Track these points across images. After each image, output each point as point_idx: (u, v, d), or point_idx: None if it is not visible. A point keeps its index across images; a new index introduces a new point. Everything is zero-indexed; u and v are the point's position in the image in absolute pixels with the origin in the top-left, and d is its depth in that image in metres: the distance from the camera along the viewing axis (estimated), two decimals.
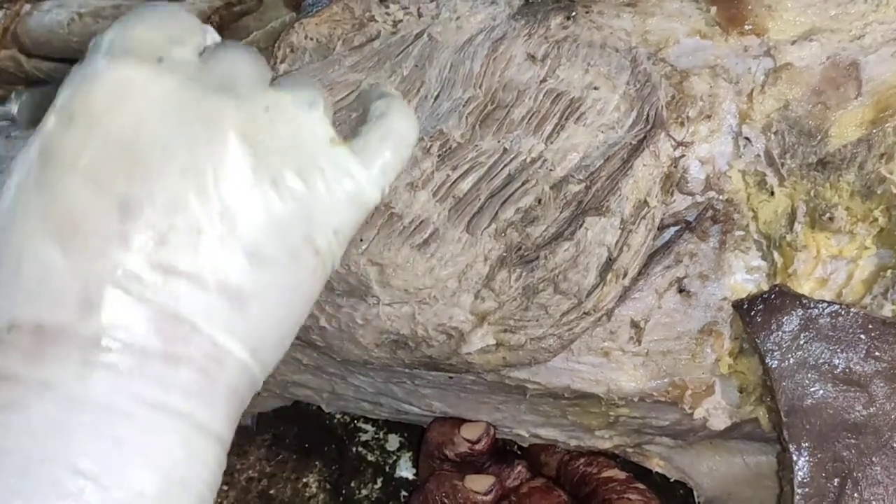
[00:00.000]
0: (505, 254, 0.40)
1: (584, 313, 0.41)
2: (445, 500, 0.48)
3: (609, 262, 0.41)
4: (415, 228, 0.40)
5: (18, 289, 0.26)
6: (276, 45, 0.53)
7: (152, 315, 0.26)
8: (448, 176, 0.42)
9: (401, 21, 0.49)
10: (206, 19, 0.63)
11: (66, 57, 0.57)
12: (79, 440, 0.25)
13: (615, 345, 0.43)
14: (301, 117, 0.29)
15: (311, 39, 0.51)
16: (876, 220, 0.41)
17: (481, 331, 0.40)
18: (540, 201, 0.41)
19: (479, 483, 0.48)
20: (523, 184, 0.41)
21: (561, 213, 0.41)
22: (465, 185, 0.41)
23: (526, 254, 0.40)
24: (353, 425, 0.60)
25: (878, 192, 0.41)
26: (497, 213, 0.41)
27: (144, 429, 0.25)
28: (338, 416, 0.61)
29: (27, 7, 0.57)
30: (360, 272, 0.39)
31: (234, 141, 0.27)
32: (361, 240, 0.39)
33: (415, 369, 0.44)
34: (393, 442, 0.60)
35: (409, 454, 0.59)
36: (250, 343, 0.27)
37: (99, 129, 0.26)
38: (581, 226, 0.40)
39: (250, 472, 0.59)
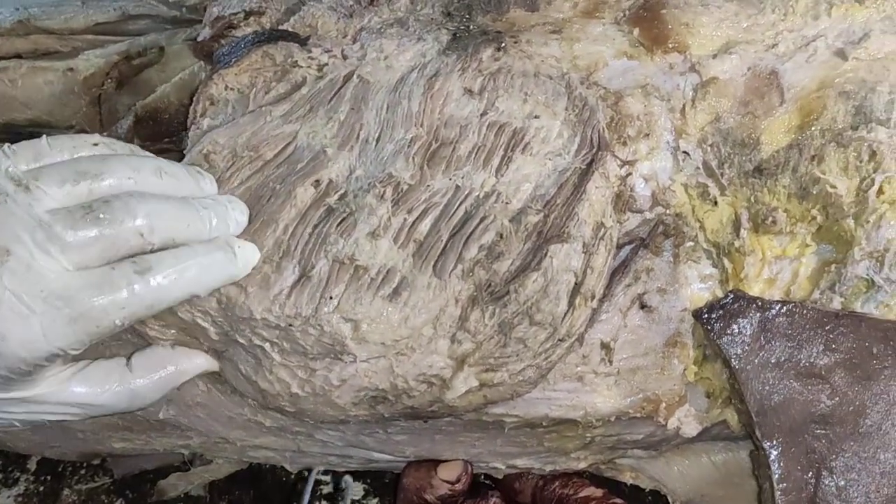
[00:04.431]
0: (475, 293, 0.40)
1: (559, 340, 0.41)
2: None
3: (576, 287, 0.41)
4: (382, 279, 0.39)
5: None
6: (195, 98, 0.50)
7: None
8: (405, 220, 0.41)
9: (325, 65, 0.48)
10: (105, 76, 0.60)
11: None
12: None
13: (588, 368, 0.43)
14: None
15: (232, 90, 0.49)
16: (814, 218, 0.44)
17: (463, 374, 0.39)
18: (501, 236, 0.41)
19: None
20: (482, 220, 0.41)
21: (524, 244, 0.41)
22: (424, 227, 0.41)
23: (496, 290, 0.40)
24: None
25: (814, 192, 0.43)
26: (461, 253, 0.40)
27: None
28: (294, 472, 0.58)
29: None
30: (334, 331, 0.38)
31: None
32: (331, 297, 0.38)
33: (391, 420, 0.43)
34: (357, 490, 0.58)
35: (376, 500, 0.58)
36: None
37: None
38: (546, 255, 0.41)
39: None
